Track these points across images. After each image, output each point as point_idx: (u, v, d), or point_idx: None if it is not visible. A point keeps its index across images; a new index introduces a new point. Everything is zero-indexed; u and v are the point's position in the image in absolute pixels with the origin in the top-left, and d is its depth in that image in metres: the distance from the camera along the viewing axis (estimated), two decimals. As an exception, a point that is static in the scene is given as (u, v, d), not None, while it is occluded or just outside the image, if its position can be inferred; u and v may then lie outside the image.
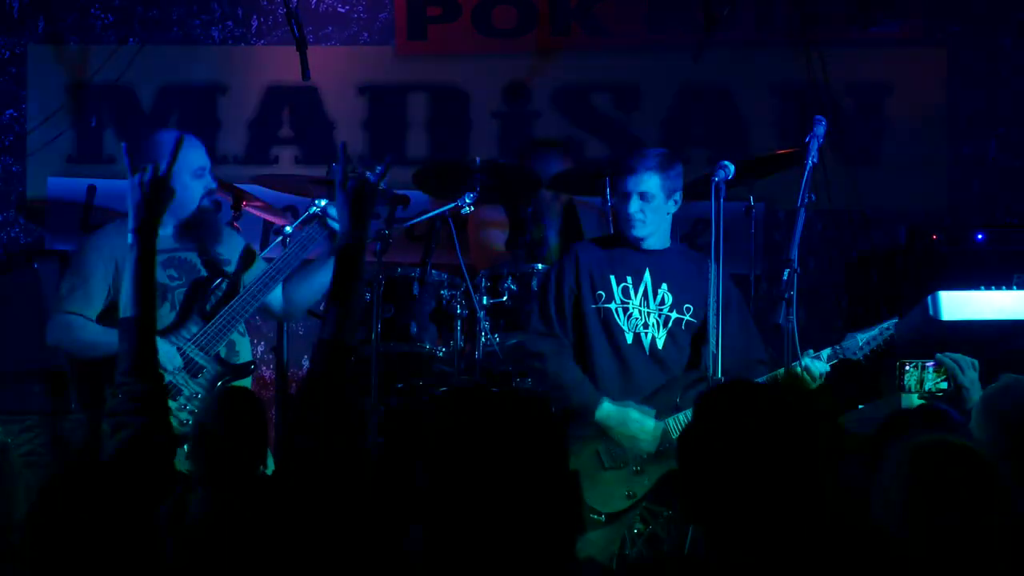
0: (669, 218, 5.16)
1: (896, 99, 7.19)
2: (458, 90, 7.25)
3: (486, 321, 5.70)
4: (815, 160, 4.81)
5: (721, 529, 2.54)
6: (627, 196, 5.07)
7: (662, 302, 5.14)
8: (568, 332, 5.14)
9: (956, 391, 4.49)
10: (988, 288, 4.87)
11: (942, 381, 4.61)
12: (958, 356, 4.54)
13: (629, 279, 5.13)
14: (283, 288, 5.15)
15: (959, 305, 4.79)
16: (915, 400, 4.74)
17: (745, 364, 5.05)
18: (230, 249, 5.19)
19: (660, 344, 5.11)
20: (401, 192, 6.19)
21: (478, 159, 5.78)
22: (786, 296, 4.58)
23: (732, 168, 4.90)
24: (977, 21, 7.16)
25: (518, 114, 7.23)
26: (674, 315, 5.12)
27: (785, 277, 4.60)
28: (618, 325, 5.10)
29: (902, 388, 4.96)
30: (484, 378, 5.70)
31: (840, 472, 3.26)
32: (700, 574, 2.56)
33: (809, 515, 2.51)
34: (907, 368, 4.83)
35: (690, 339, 5.14)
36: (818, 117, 4.92)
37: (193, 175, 5.03)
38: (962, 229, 6.66)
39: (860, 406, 5.13)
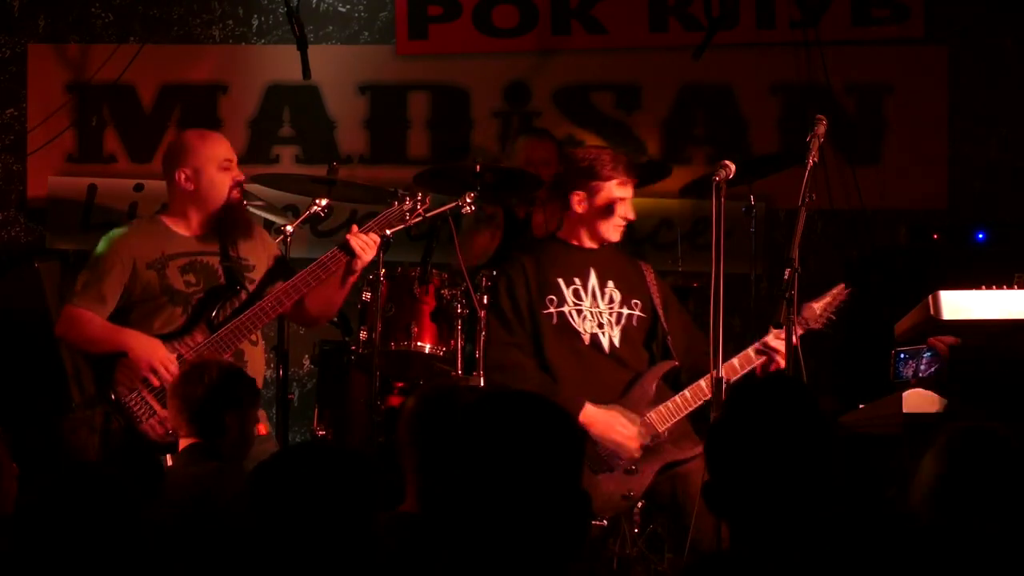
0: None
1: (896, 99, 7.19)
2: (459, 89, 7.25)
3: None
4: (815, 160, 4.80)
5: (748, 523, 2.53)
6: (624, 202, 5.16)
7: (611, 300, 5.18)
8: (529, 337, 5.12)
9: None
10: (988, 288, 4.87)
11: (934, 365, 4.65)
12: (948, 338, 4.57)
13: (577, 280, 5.16)
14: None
15: (959, 305, 4.79)
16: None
17: (694, 360, 5.13)
18: (258, 253, 5.16)
19: (617, 342, 5.13)
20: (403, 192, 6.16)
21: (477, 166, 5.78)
22: (787, 296, 4.58)
23: (732, 168, 4.89)
24: (977, 21, 7.15)
25: (519, 113, 7.23)
26: (625, 311, 5.16)
27: (786, 277, 4.60)
28: (574, 328, 5.11)
29: (898, 376, 4.98)
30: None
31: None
32: (726, 570, 2.54)
33: (832, 508, 2.51)
34: (901, 356, 4.85)
35: (643, 335, 5.18)
36: (819, 116, 4.91)
37: (220, 167, 5.03)
38: (962, 229, 6.66)
39: (860, 406, 5.12)
